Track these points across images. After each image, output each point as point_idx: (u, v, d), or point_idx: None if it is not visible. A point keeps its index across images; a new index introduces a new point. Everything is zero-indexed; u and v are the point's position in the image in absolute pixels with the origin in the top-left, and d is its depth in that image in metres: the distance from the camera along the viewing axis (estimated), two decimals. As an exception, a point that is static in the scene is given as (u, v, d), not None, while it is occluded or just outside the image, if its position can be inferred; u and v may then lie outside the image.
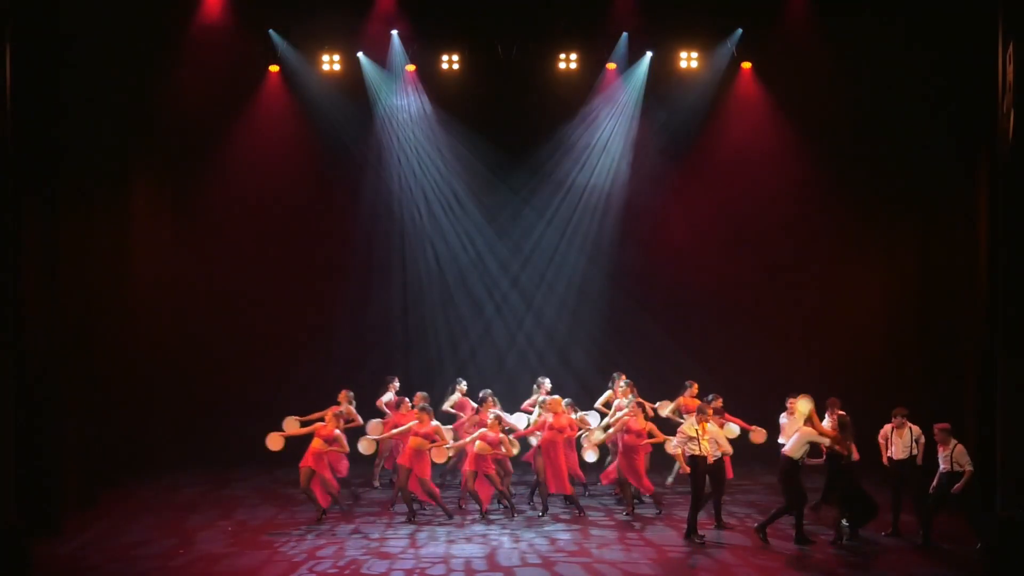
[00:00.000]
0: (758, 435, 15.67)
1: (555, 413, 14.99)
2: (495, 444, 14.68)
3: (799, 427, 13.45)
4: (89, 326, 15.87)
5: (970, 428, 14.84)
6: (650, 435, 14.90)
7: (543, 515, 14.91)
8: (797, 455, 13.26)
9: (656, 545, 13.52)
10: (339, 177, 19.71)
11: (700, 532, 13.61)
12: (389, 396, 16.73)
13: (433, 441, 14.65)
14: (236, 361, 18.94)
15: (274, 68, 19.05)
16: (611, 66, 19.24)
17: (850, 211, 18.95)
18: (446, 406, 16.63)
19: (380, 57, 19.09)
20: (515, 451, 15.11)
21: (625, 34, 18.89)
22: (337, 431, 14.71)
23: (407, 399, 15.96)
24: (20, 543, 12.19)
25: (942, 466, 13.29)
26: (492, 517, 14.93)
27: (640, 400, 15.39)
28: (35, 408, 13.77)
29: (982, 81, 13.80)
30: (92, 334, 16.00)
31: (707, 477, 13.67)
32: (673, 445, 14.01)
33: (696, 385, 16.21)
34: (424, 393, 15.95)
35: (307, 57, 18.86)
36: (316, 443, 14.55)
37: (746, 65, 19.08)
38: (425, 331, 19.98)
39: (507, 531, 14.22)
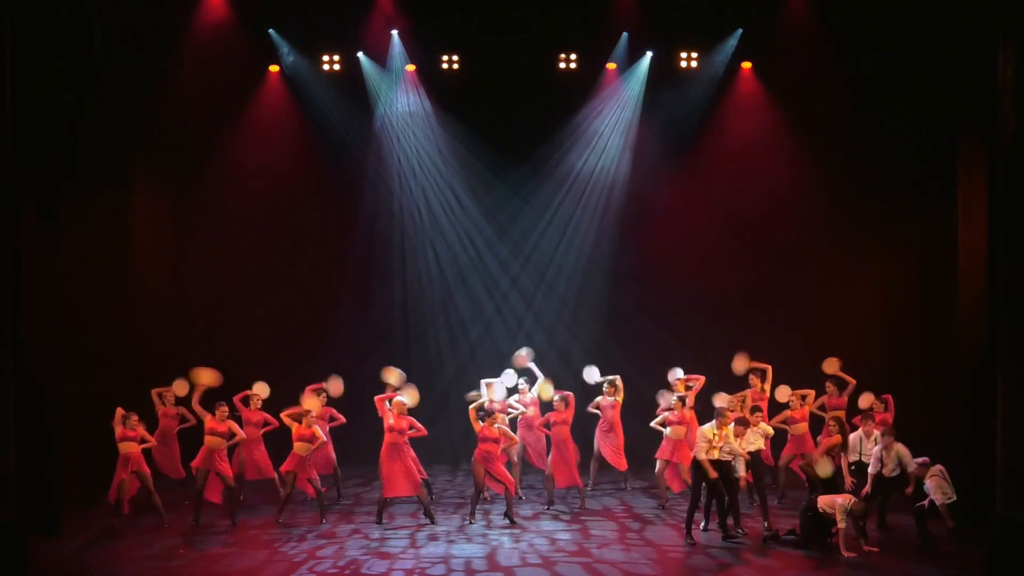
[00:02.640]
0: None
1: (396, 415, 14.66)
2: (308, 439, 14.57)
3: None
4: (90, 325, 15.88)
5: (968, 429, 14.83)
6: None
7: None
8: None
9: (656, 545, 13.53)
10: (339, 177, 19.71)
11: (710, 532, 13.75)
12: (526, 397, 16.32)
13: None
14: (236, 361, 18.79)
15: (274, 68, 19.08)
16: (611, 66, 19.24)
17: (849, 210, 18.95)
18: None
19: (380, 57, 19.09)
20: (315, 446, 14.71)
21: (625, 34, 18.88)
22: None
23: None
24: (20, 542, 12.21)
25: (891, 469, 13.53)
26: (494, 517, 14.97)
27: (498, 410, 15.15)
28: (35, 408, 13.78)
29: (982, 81, 13.80)
30: (93, 333, 16.00)
31: (714, 482, 13.65)
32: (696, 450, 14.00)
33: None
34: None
35: (307, 57, 18.87)
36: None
37: (746, 65, 19.09)
38: (425, 331, 19.97)
39: (507, 531, 14.24)
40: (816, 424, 15.59)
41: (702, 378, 16.20)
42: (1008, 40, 12.56)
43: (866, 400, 15.26)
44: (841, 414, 15.57)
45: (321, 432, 14.87)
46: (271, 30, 18.68)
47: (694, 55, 18.81)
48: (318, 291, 19.64)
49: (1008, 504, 12.39)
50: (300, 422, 14.69)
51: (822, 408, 15.91)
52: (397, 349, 19.69)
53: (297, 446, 14.61)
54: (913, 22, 16.62)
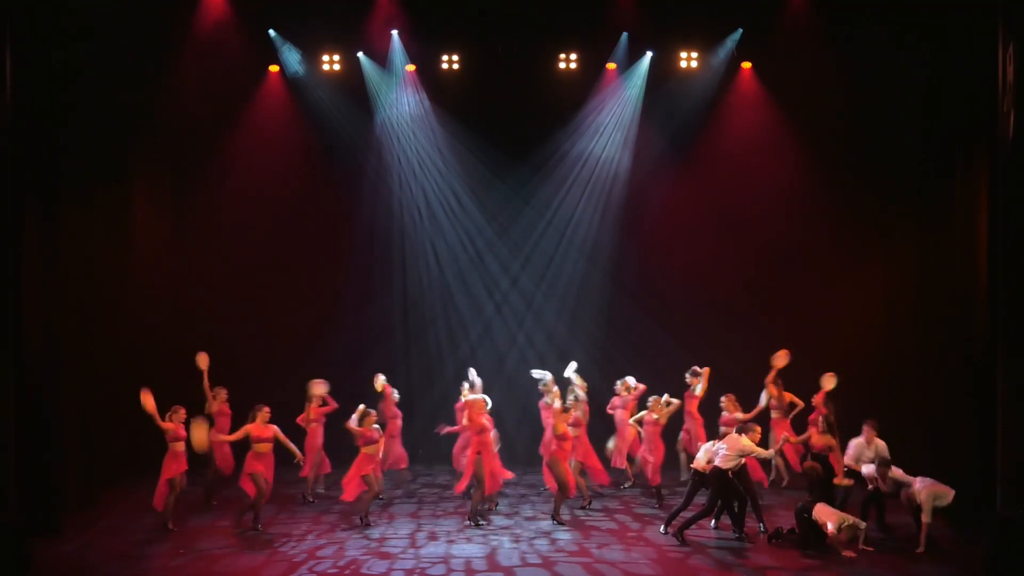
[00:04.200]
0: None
1: (474, 413, 14.71)
2: (371, 440, 14.64)
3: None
4: (89, 326, 15.87)
5: (969, 429, 14.82)
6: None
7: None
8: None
9: (656, 545, 13.54)
10: (339, 177, 19.71)
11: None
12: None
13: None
14: (236, 361, 18.86)
15: (274, 68, 19.09)
16: (611, 66, 19.24)
17: (849, 210, 18.94)
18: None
19: (380, 57, 19.10)
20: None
21: (625, 34, 18.89)
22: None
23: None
24: (20, 543, 12.21)
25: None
26: (495, 518, 14.98)
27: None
28: (35, 408, 13.78)
29: (982, 81, 13.80)
30: (92, 334, 16.00)
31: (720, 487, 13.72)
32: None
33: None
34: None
35: (307, 57, 18.88)
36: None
37: (746, 65, 19.09)
38: (425, 331, 19.96)
39: (507, 531, 14.24)
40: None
41: (643, 387, 16.55)
42: (1009, 40, 12.55)
43: (828, 381, 15.70)
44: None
45: (379, 431, 14.91)
46: (271, 30, 18.68)
47: (694, 55, 18.82)
48: (318, 291, 19.64)
49: (1008, 504, 12.39)
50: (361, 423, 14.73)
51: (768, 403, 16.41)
52: (397, 349, 19.71)
53: (365, 450, 14.59)
54: (913, 22, 16.62)
